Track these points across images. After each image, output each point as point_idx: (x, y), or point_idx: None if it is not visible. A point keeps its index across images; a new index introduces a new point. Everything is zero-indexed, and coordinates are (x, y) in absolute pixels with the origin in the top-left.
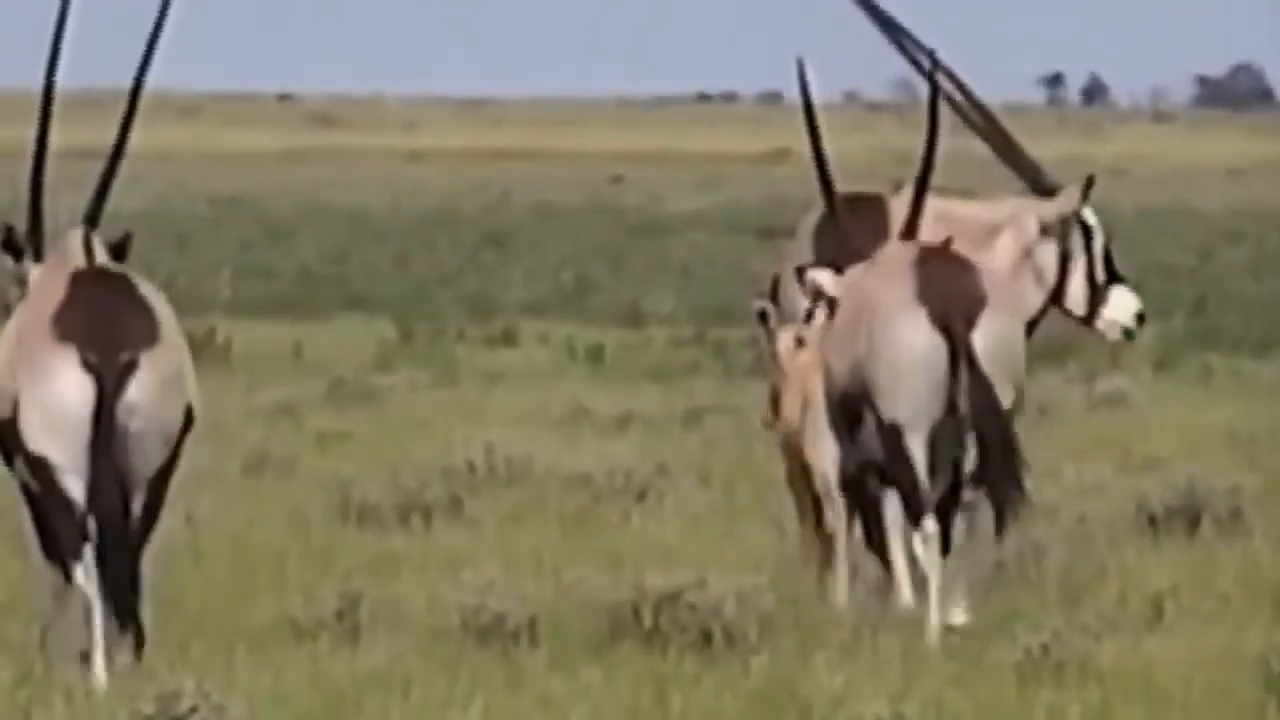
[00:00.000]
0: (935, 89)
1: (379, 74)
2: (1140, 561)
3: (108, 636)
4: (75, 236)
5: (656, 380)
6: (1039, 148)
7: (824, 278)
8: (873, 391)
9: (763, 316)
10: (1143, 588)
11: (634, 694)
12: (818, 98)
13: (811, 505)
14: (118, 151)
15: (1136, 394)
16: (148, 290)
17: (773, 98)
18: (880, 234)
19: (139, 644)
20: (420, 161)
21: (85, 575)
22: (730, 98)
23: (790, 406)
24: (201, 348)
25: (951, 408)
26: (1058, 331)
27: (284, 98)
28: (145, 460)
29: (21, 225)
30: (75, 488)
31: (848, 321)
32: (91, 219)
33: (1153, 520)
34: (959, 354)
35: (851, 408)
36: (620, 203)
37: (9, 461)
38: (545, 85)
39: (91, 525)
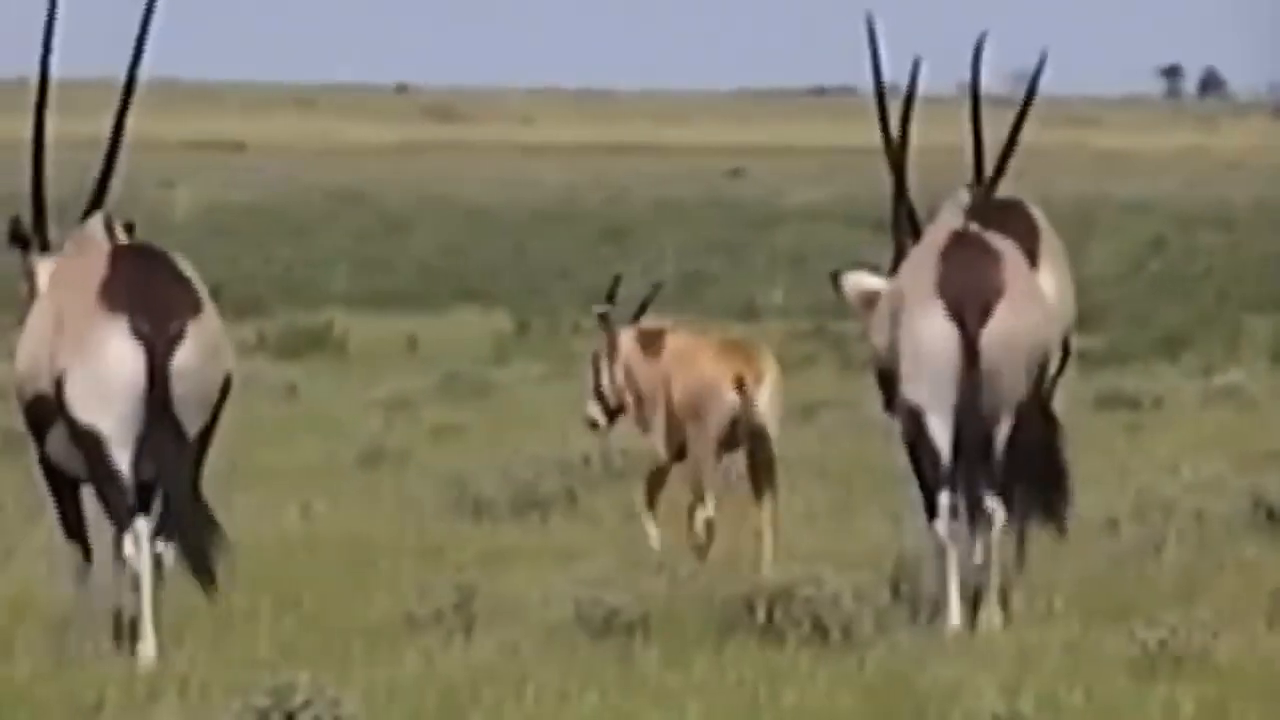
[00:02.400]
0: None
1: (497, 66)
2: (1258, 556)
3: (154, 607)
4: (97, 221)
5: None
6: (1156, 140)
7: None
8: (898, 375)
9: (603, 319)
10: (1260, 583)
11: (748, 689)
12: (933, 90)
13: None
14: (115, 141)
15: (1253, 387)
16: (184, 264)
17: (890, 90)
18: (1025, 238)
19: (211, 583)
20: (538, 155)
21: (135, 547)
22: (848, 91)
23: (673, 396)
24: (318, 341)
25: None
26: (1175, 325)
27: (401, 90)
28: (190, 424)
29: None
30: (123, 459)
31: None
32: (94, 207)
33: (1270, 515)
34: (972, 345)
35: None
36: (738, 196)
37: (39, 440)
38: (663, 78)
39: (131, 497)
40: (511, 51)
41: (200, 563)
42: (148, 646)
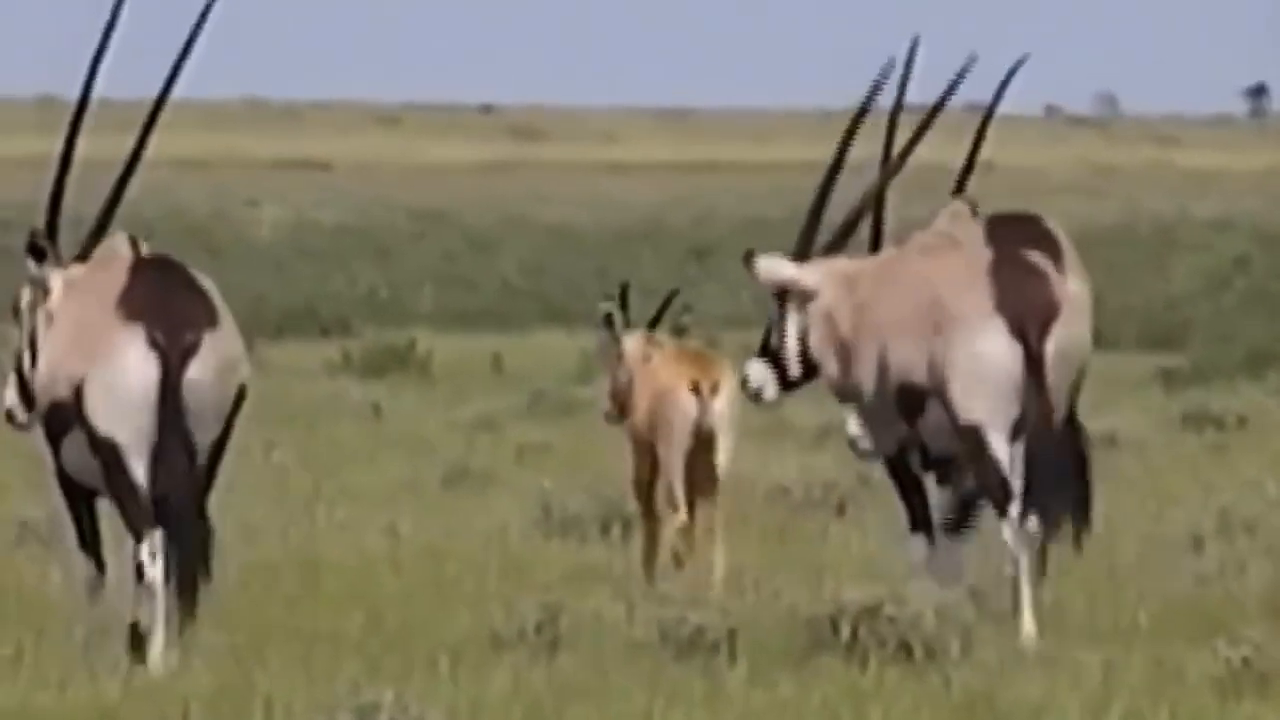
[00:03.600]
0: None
1: (581, 85)
2: None
3: (168, 618)
4: (121, 238)
5: None
6: (1240, 159)
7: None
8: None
9: (608, 320)
10: None
11: (833, 708)
12: (1018, 109)
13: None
14: (132, 161)
15: None
16: (203, 278)
17: (976, 109)
18: (1050, 253)
19: (190, 614)
20: (622, 174)
21: (151, 557)
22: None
23: (640, 406)
24: (402, 360)
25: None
26: (1259, 343)
27: (485, 109)
28: (203, 435)
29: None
30: (139, 470)
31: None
32: (101, 227)
33: None
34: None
35: (913, 400)
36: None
37: (55, 450)
38: (746, 96)
39: (147, 507)
40: (595, 70)
41: (186, 581)
42: (157, 655)
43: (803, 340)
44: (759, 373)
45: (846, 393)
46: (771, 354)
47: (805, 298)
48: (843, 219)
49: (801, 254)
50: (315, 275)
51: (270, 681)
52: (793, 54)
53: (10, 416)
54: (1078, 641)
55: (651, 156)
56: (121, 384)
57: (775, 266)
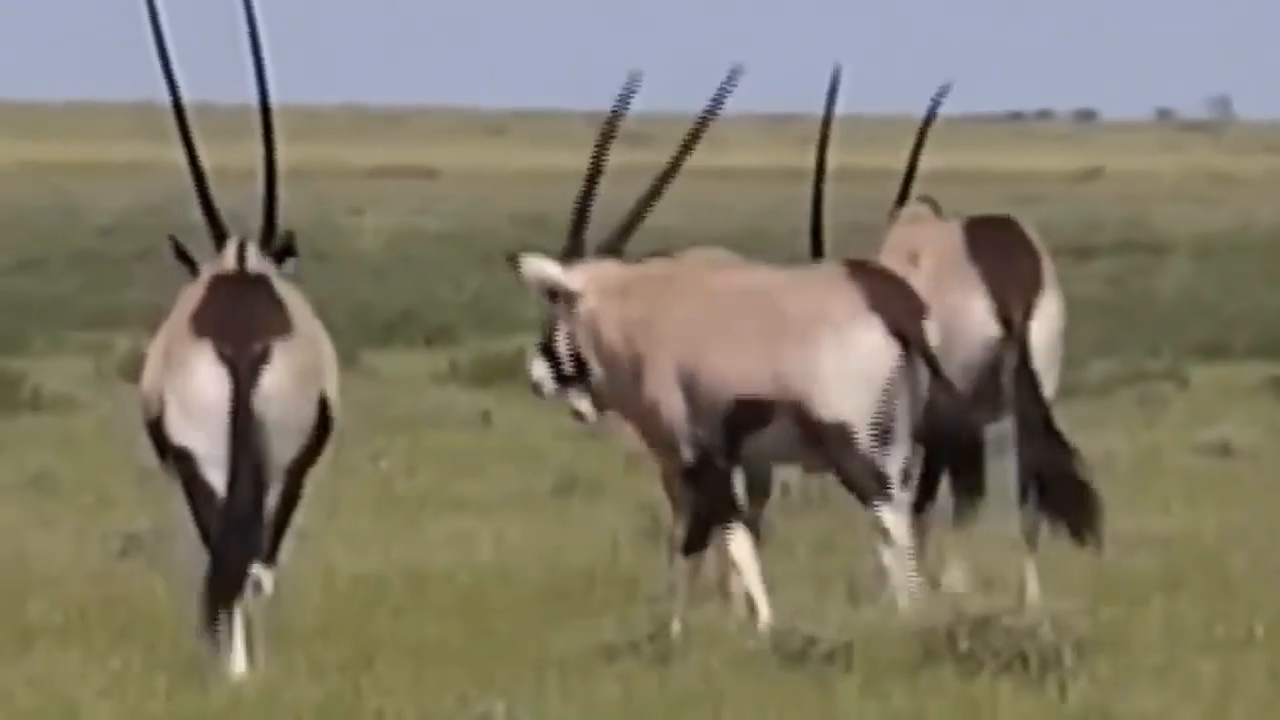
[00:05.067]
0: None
1: (688, 91)
2: None
3: (246, 628)
4: (231, 245)
5: None
6: None
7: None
8: None
9: None
10: None
11: (948, 719)
12: (1130, 114)
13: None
14: (270, 169)
15: None
16: (284, 288)
17: (1087, 115)
18: (1018, 250)
19: (209, 618)
20: (729, 179)
21: None
22: (1044, 115)
23: None
24: (510, 368)
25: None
26: None
27: (591, 118)
28: (281, 450)
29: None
30: (217, 479)
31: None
32: (264, 241)
33: None
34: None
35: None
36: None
37: (162, 458)
38: (856, 103)
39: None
40: (703, 76)
41: (216, 592)
42: (237, 662)
43: (571, 341)
44: (539, 368)
45: (611, 399)
46: (548, 351)
47: (569, 300)
48: (620, 222)
49: (571, 254)
50: (420, 284)
51: (379, 694)
52: (897, 61)
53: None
54: (1193, 652)
55: (758, 162)
56: (194, 397)
57: (539, 268)
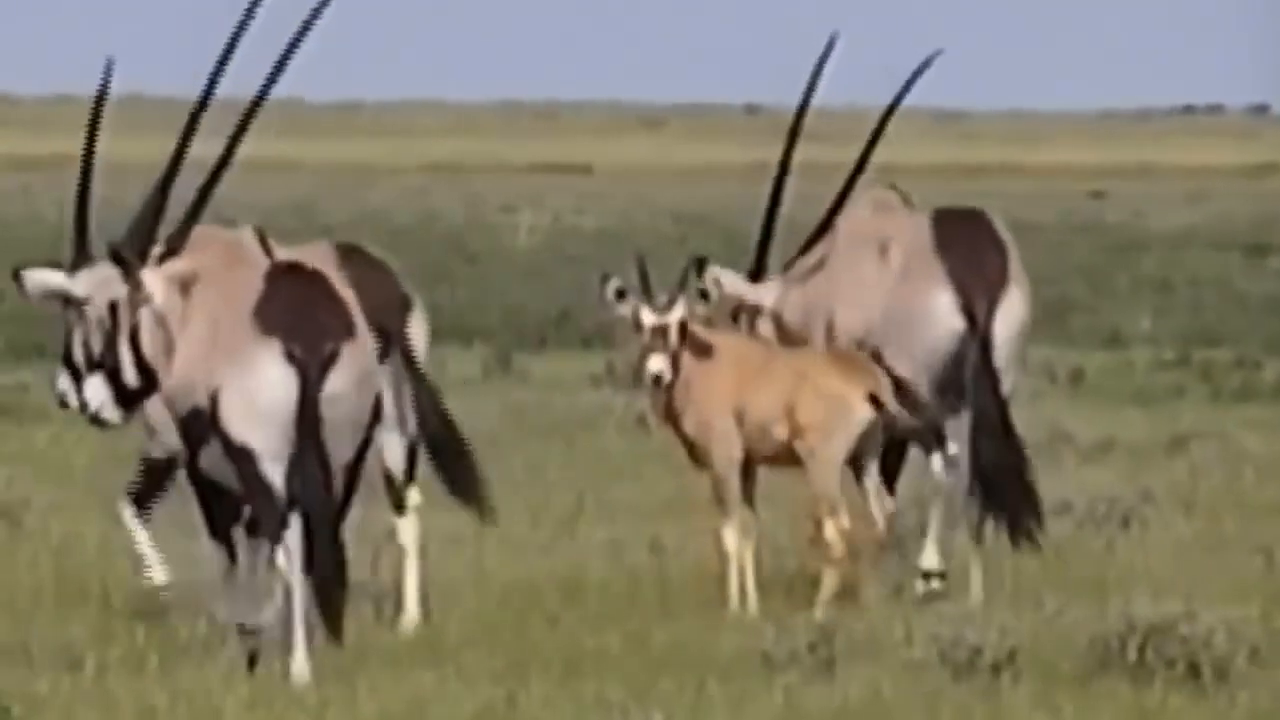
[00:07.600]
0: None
1: (849, 86)
2: None
3: (308, 621)
4: (248, 234)
5: (1139, 404)
6: None
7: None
8: None
9: (620, 296)
10: None
11: None
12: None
13: None
14: (222, 162)
15: None
16: (341, 287)
17: (1260, 110)
18: (985, 244)
19: (336, 629)
20: (892, 176)
21: (288, 560)
22: (1216, 109)
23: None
24: None
25: None
26: None
27: (751, 110)
28: (342, 448)
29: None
30: (276, 474)
31: None
32: (188, 225)
33: None
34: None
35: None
36: (1101, 219)
37: (191, 449)
38: (1024, 99)
39: (284, 510)
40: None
41: (326, 601)
42: (301, 663)
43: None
44: (95, 391)
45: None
46: (90, 366)
47: (81, 303)
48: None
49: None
50: (576, 282)
51: (533, 703)
52: (1063, 57)
53: (96, 418)
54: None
55: (923, 159)
56: (259, 397)
57: (42, 278)
